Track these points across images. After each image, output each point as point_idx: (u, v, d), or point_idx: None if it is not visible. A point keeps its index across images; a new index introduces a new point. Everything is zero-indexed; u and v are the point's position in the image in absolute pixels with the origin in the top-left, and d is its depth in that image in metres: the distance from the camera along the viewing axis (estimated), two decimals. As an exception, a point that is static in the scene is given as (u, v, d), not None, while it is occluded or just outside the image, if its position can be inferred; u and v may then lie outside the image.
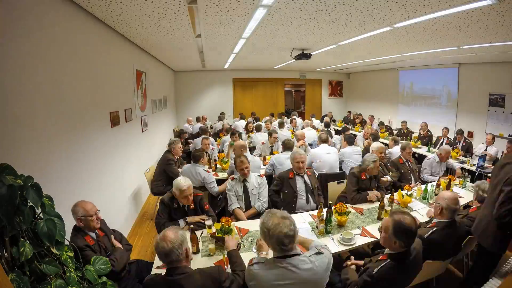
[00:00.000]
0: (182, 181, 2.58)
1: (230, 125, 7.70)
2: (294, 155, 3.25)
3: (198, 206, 2.76)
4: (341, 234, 2.46)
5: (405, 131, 7.47)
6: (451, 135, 6.59)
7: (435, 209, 2.29)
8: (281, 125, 6.97)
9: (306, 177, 3.28)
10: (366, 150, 4.95)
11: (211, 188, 3.76)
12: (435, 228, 2.19)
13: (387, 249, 1.85)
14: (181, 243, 1.59)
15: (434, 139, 6.88)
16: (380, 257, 1.85)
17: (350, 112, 10.69)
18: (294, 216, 2.88)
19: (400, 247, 1.75)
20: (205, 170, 3.83)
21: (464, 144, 5.86)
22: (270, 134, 5.50)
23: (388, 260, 1.77)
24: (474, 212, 2.61)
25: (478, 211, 2.52)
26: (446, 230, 2.17)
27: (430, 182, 3.90)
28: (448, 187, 3.45)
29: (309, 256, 1.59)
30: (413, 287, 2.10)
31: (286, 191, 3.21)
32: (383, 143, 5.58)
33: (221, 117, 9.01)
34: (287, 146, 4.29)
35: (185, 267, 1.61)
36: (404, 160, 4.17)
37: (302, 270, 1.52)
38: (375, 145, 4.10)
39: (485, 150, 5.47)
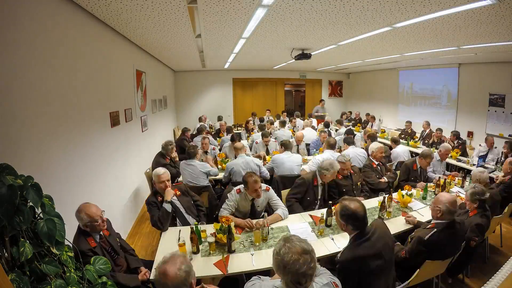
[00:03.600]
0: (159, 168, 2.82)
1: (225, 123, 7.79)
2: (335, 170, 3.07)
3: (187, 193, 3.00)
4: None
5: (409, 131, 7.47)
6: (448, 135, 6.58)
7: (434, 212, 2.26)
8: (282, 124, 6.99)
9: (324, 186, 3.25)
10: (366, 151, 4.94)
11: (210, 173, 3.99)
12: (435, 229, 2.18)
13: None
14: (183, 281, 1.34)
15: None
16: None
17: (350, 112, 10.62)
18: (296, 216, 2.92)
19: (352, 230, 1.84)
20: (199, 162, 4.01)
21: (456, 145, 5.85)
22: (263, 135, 5.53)
23: (348, 243, 1.86)
24: (473, 216, 2.57)
25: (479, 218, 2.52)
26: (446, 231, 2.16)
27: (433, 180, 3.93)
28: (443, 188, 3.43)
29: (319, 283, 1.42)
30: (412, 287, 2.10)
31: (308, 198, 3.14)
32: (383, 143, 5.58)
33: (220, 118, 9.06)
34: (286, 146, 4.30)
35: None
36: (418, 167, 3.97)
37: None
38: (374, 145, 4.01)
39: (487, 153, 5.45)
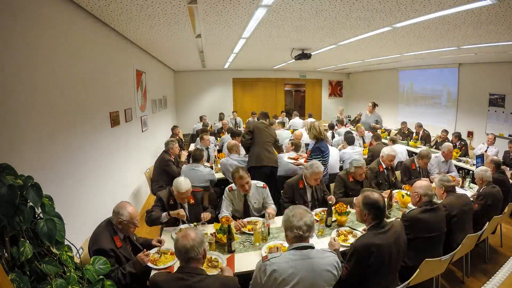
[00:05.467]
0: (183, 183, 2.59)
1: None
2: (313, 170, 2.95)
3: (200, 204, 2.82)
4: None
5: (405, 132, 7.47)
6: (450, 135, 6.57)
7: (413, 199, 2.46)
8: (281, 124, 6.96)
9: (314, 187, 3.13)
10: (371, 152, 4.93)
11: (215, 180, 4.02)
12: (414, 208, 2.41)
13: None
14: (201, 242, 1.63)
15: (432, 138, 6.88)
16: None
17: (361, 114, 10.43)
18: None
19: (372, 219, 1.95)
20: (204, 166, 3.98)
21: (459, 146, 5.87)
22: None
23: (366, 233, 2.01)
24: (444, 200, 2.76)
25: (447, 198, 2.75)
26: (424, 208, 2.31)
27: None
28: None
29: (322, 250, 1.72)
30: (412, 287, 2.10)
31: (297, 202, 3.02)
32: (383, 143, 5.58)
33: (221, 117, 9.02)
34: (296, 146, 4.25)
35: (202, 270, 1.63)
36: (417, 166, 3.99)
37: (314, 258, 1.60)
38: (386, 151, 3.81)
39: (486, 151, 5.47)
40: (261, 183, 2.98)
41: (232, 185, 2.95)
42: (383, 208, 1.94)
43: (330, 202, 2.79)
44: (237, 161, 3.98)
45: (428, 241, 2.25)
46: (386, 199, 2.87)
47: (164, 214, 2.59)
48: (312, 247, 1.66)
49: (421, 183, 2.46)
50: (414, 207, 2.48)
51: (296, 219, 1.64)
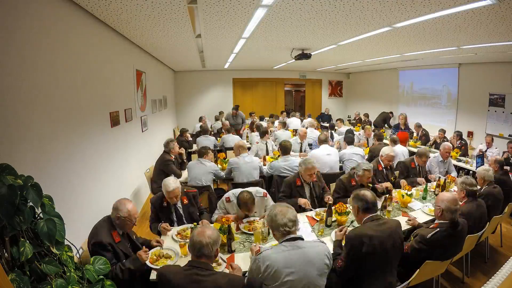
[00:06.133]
0: (171, 182, 2.60)
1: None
2: (306, 166, 3.00)
3: (194, 201, 2.86)
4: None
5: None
6: (449, 135, 6.56)
7: (435, 212, 2.27)
8: (282, 125, 6.90)
9: (312, 184, 3.15)
10: (371, 152, 4.94)
11: (219, 174, 4.05)
12: (438, 229, 2.16)
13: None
14: (216, 241, 1.67)
15: (431, 137, 6.87)
16: None
17: (367, 115, 10.42)
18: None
19: (362, 213, 2.05)
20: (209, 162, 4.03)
21: (459, 145, 5.86)
22: (263, 133, 5.50)
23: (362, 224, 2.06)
24: (464, 206, 2.64)
25: (468, 204, 2.66)
26: (449, 231, 2.15)
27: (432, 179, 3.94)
28: (443, 187, 3.43)
29: (312, 240, 1.84)
30: (413, 287, 2.10)
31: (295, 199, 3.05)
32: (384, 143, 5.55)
33: (218, 117, 9.02)
34: (284, 148, 4.02)
35: (210, 265, 1.67)
36: (416, 165, 4.03)
37: (305, 248, 1.67)
38: (386, 150, 3.80)
39: (485, 151, 5.46)
40: (261, 192, 2.86)
41: (230, 195, 2.80)
42: (370, 200, 2.01)
43: (329, 202, 2.79)
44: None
45: (442, 258, 2.15)
46: (387, 200, 2.88)
47: (159, 225, 2.64)
48: (301, 238, 1.73)
49: (445, 196, 2.22)
50: (426, 227, 2.30)
51: (279, 218, 1.71)
